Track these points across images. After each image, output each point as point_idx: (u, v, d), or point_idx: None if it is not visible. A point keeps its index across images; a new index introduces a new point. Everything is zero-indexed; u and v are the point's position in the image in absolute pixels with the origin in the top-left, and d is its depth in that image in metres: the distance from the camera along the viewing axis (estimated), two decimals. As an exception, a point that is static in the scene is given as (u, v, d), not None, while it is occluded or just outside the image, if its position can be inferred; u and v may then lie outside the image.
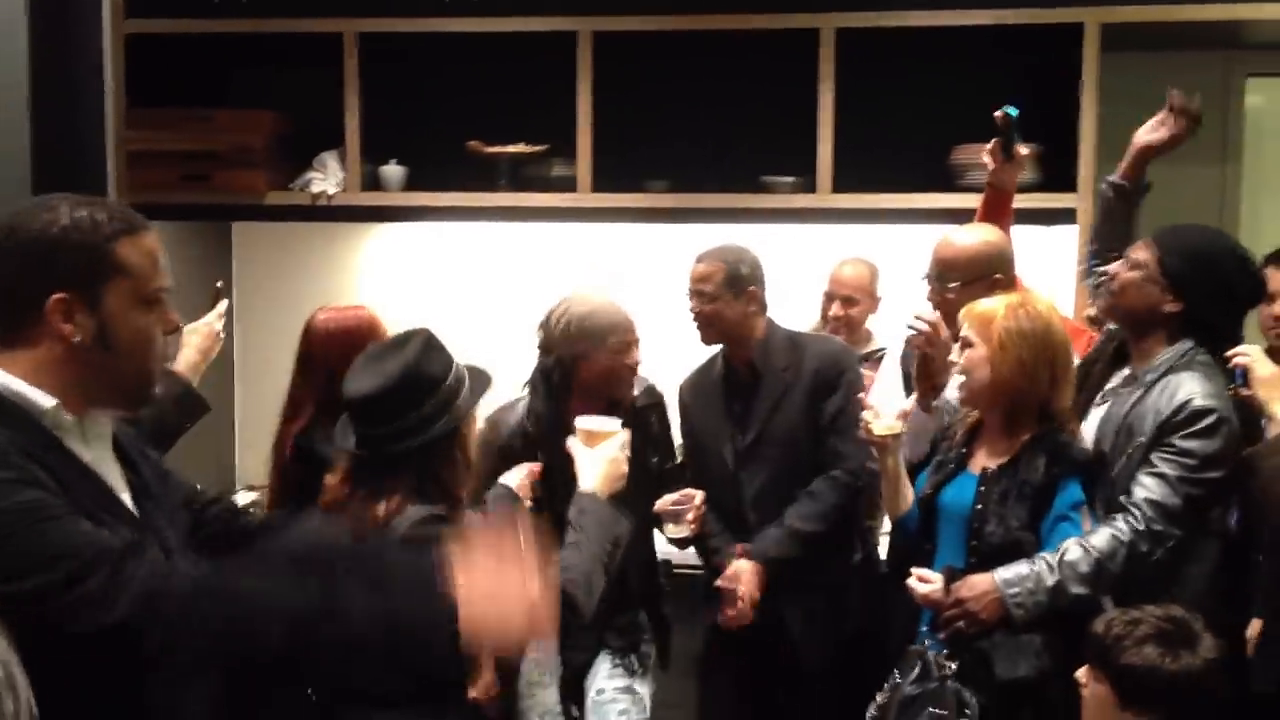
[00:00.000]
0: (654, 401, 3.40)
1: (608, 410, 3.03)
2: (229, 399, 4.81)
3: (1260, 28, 4.11)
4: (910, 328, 3.19)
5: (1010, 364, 2.78)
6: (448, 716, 2.35)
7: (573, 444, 2.59)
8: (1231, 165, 4.52)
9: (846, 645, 3.41)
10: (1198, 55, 4.40)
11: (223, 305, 3.11)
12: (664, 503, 3.19)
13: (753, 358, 3.41)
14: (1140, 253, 2.91)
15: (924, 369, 3.16)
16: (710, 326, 3.38)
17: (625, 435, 2.60)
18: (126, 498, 1.83)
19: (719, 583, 3.30)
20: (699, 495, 3.18)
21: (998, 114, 3.41)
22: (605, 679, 3.31)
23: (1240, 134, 4.52)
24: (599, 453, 2.53)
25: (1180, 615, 2.44)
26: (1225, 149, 4.50)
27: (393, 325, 3.30)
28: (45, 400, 1.73)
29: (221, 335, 3.09)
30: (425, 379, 2.31)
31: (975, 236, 3.27)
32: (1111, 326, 3.16)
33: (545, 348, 3.25)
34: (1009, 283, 3.16)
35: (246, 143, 4.32)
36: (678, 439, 3.57)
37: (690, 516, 3.12)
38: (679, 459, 3.54)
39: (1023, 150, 3.46)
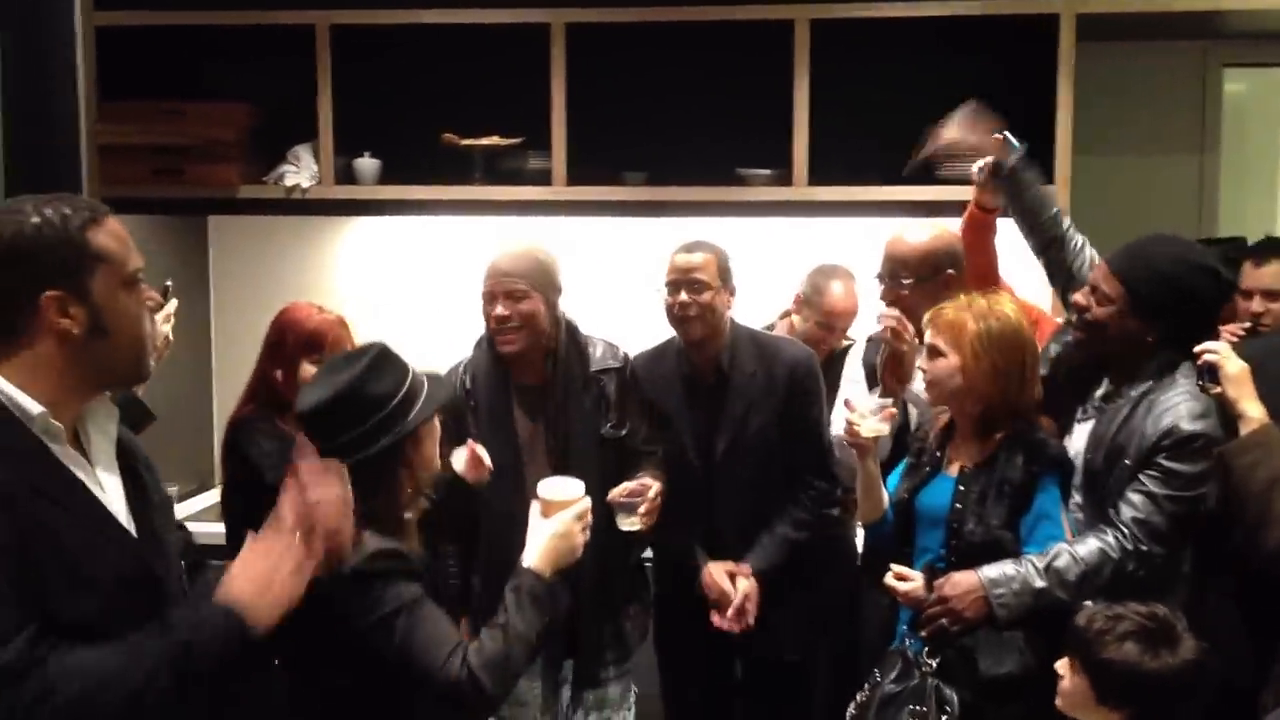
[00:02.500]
0: (613, 367, 3.27)
1: (540, 368, 3.13)
2: (206, 392, 4.79)
3: (1237, 17, 4.09)
4: (880, 322, 3.20)
5: (985, 372, 2.77)
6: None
7: (532, 513, 2.44)
8: (1210, 155, 4.51)
9: (817, 641, 3.42)
10: (1174, 45, 4.41)
11: (171, 305, 3.07)
12: (617, 493, 3.06)
13: (719, 359, 3.34)
14: (1106, 285, 2.83)
15: (892, 365, 3.16)
16: (702, 319, 3.26)
17: (582, 506, 2.41)
18: (120, 507, 1.86)
19: (735, 600, 3.24)
20: (655, 487, 3.07)
21: (996, 136, 3.37)
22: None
23: (1218, 124, 4.52)
24: (549, 526, 2.37)
25: (1163, 614, 2.43)
26: (1203, 139, 4.50)
27: (364, 323, 3.29)
28: (33, 407, 1.77)
29: (170, 338, 3.05)
30: (367, 397, 2.27)
31: (926, 233, 3.28)
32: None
33: None
34: (960, 280, 3.16)
35: (219, 136, 4.28)
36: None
37: (643, 509, 3.02)
38: (649, 432, 3.35)
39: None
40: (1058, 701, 2.47)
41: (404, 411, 2.30)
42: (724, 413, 3.32)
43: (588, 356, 3.23)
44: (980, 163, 3.40)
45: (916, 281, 3.18)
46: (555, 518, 2.38)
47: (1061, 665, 2.46)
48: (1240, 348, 2.86)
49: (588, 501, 2.43)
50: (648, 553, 3.48)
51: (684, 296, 3.26)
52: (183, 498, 4.40)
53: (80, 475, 1.81)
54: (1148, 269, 2.82)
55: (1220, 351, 2.73)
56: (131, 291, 1.85)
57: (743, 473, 3.32)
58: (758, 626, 3.29)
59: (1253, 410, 2.66)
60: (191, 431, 4.65)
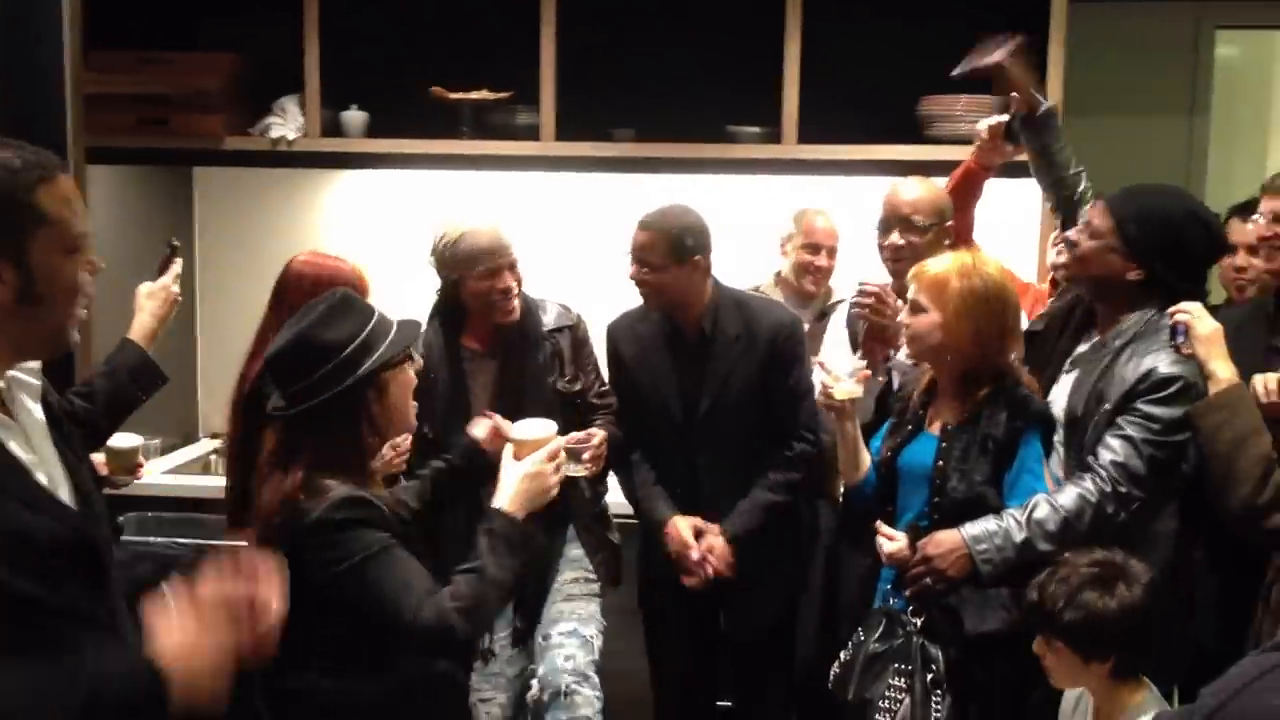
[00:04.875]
0: (566, 325, 3.36)
1: (495, 334, 3.17)
2: (191, 345, 4.77)
3: (1231, -21, 4.08)
4: (856, 299, 3.19)
5: (966, 332, 2.76)
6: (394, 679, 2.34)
7: (505, 455, 2.46)
8: (1200, 117, 4.50)
9: (797, 600, 3.44)
10: (1167, 6, 4.39)
11: (177, 266, 3.03)
12: (564, 441, 3.06)
13: (702, 322, 3.33)
14: (1098, 219, 2.88)
15: (875, 333, 3.16)
16: (655, 295, 3.30)
17: (556, 445, 2.46)
18: (56, 470, 1.75)
19: (693, 555, 3.28)
20: (599, 435, 3.09)
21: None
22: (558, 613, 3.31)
23: (1209, 86, 4.50)
24: (521, 467, 2.39)
25: (1109, 556, 2.46)
26: (1194, 101, 4.49)
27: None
28: None
29: (179, 298, 3.01)
30: (317, 345, 2.25)
31: (928, 185, 3.34)
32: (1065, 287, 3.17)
33: (437, 273, 3.30)
34: (952, 234, 3.20)
35: (204, 86, 4.23)
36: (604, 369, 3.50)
37: (586, 456, 3.01)
38: (602, 387, 3.44)
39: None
40: (1052, 682, 2.51)
41: (357, 360, 2.26)
42: (706, 373, 3.33)
43: (538, 317, 3.31)
44: (992, 119, 3.40)
45: (928, 227, 3.22)
46: (527, 459, 2.39)
47: (1038, 646, 2.48)
48: (1217, 313, 2.86)
49: (560, 441, 2.46)
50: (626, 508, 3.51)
51: (633, 272, 3.30)
52: (165, 450, 4.39)
53: (10, 444, 1.68)
54: (1139, 208, 2.86)
55: (1192, 311, 2.74)
56: (73, 258, 1.71)
57: (724, 432, 3.32)
58: (739, 588, 3.31)
59: (1222, 371, 2.67)
60: (175, 384, 4.60)
